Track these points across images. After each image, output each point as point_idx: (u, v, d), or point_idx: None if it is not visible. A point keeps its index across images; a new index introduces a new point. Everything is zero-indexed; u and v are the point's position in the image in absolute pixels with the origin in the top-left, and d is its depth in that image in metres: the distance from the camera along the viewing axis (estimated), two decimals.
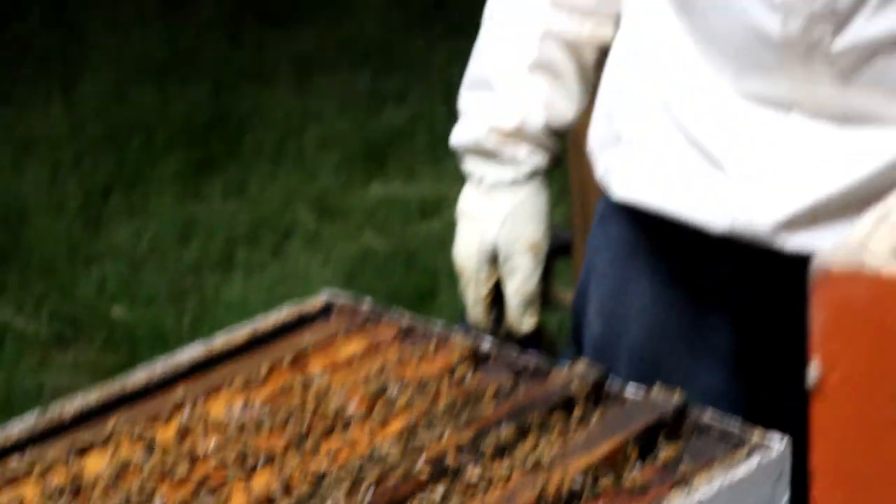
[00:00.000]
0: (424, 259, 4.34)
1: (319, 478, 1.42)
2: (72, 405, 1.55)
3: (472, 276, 1.79)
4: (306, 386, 1.58)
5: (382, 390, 1.57)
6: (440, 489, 1.39)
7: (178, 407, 1.57)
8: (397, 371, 1.61)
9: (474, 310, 1.80)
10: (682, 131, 1.66)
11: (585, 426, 1.50)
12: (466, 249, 1.79)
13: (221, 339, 1.68)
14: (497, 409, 1.53)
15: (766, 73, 1.59)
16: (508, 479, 1.41)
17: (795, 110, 1.59)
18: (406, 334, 1.70)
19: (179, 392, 1.59)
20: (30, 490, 1.44)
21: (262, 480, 1.43)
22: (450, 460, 1.43)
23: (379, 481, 1.40)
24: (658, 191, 1.70)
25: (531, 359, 1.63)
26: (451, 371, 1.61)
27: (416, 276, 4.25)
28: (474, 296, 1.80)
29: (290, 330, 1.72)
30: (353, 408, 1.54)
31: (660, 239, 1.76)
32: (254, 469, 1.45)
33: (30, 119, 5.02)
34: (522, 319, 1.78)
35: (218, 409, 1.56)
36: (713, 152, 1.63)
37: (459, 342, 1.65)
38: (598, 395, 1.56)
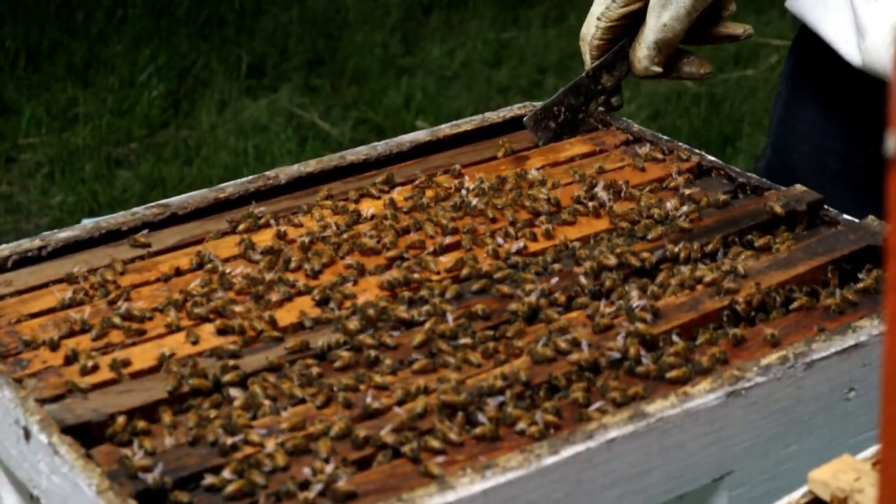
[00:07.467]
0: (731, 105, 4.27)
1: (512, 265, 1.44)
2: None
3: None
4: (521, 177, 1.60)
5: (590, 190, 1.57)
6: (633, 287, 1.39)
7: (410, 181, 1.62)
8: (612, 175, 1.61)
9: (589, 22, 1.62)
10: None
11: (790, 246, 1.47)
12: None
13: (447, 126, 1.71)
14: (706, 219, 1.52)
15: None
16: (697, 284, 1.40)
17: None
18: (633, 142, 1.69)
19: (407, 168, 1.65)
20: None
21: (451, 257, 1.45)
22: (636, 261, 1.42)
23: (563, 274, 1.42)
24: (815, 9, 1.66)
25: (751, 176, 1.60)
26: (665, 180, 1.60)
27: (720, 121, 4.18)
28: (601, 9, 1.61)
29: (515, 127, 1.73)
30: (553, 204, 1.54)
31: (825, 68, 1.71)
32: (446, 249, 1.48)
33: None
34: (651, 60, 1.60)
35: (442, 183, 1.61)
36: None
37: (683, 154, 1.64)
38: (811, 217, 1.53)
